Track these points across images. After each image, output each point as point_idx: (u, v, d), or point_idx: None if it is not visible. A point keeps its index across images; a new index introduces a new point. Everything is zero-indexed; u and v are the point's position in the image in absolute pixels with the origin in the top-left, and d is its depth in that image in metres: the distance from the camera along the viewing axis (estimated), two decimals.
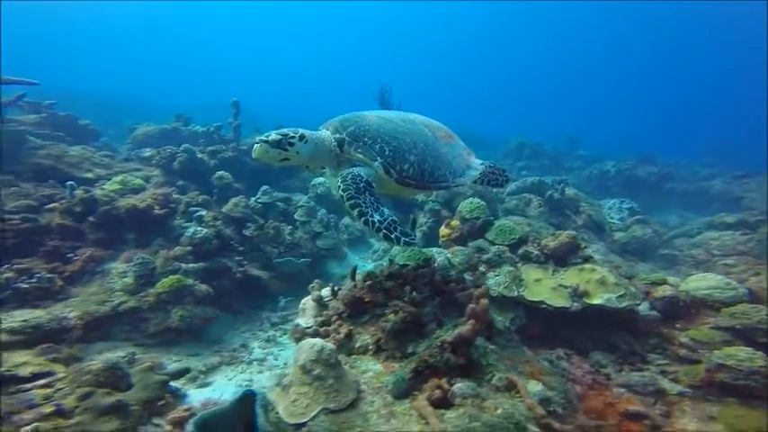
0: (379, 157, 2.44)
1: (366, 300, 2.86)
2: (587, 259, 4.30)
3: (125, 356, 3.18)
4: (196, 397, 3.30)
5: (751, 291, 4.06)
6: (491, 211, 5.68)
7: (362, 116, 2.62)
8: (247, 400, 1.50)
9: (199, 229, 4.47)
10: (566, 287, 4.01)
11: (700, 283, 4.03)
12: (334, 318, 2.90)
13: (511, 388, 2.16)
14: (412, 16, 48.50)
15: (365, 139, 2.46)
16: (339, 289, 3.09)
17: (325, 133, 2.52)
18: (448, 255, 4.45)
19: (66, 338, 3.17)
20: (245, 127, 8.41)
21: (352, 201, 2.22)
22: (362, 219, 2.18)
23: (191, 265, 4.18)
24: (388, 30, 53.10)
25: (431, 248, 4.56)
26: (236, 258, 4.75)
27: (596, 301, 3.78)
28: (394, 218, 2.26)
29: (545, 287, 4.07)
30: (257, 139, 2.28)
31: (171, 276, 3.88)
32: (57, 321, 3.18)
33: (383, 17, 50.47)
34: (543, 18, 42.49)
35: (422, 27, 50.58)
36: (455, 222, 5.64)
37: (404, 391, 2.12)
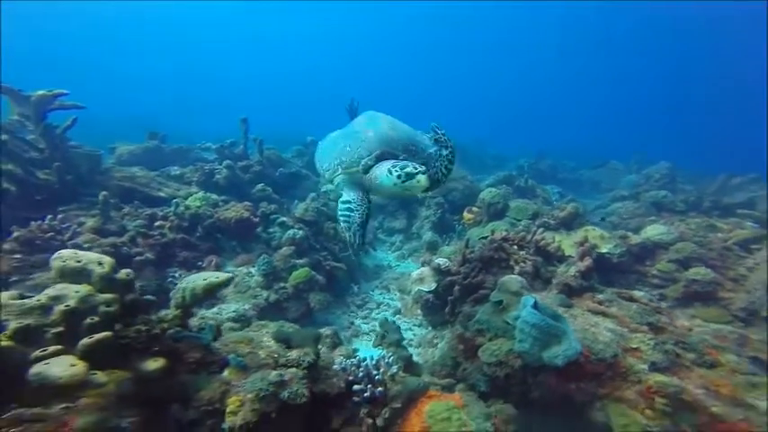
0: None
1: (495, 257, 3.76)
2: (586, 223, 5.76)
3: None
4: None
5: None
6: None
7: (393, 128, 2.58)
8: (535, 302, 2.34)
9: (295, 230, 4.82)
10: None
11: (654, 231, 5.68)
12: (474, 272, 3.73)
13: (619, 297, 3.28)
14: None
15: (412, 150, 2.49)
16: (472, 252, 3.90)
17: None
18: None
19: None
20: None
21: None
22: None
23: (299, 260, 4.55)
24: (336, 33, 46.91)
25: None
26: (322, 254, 5.17)
27: (604, 250, 5.17)
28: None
29: (566, 245, 5.35)
30: (418, 170, 2.19)
31: (301, 269, 4.25)
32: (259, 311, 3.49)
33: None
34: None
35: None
36: (476, 209, 6.80)
37: (567, 304, 3.09)
